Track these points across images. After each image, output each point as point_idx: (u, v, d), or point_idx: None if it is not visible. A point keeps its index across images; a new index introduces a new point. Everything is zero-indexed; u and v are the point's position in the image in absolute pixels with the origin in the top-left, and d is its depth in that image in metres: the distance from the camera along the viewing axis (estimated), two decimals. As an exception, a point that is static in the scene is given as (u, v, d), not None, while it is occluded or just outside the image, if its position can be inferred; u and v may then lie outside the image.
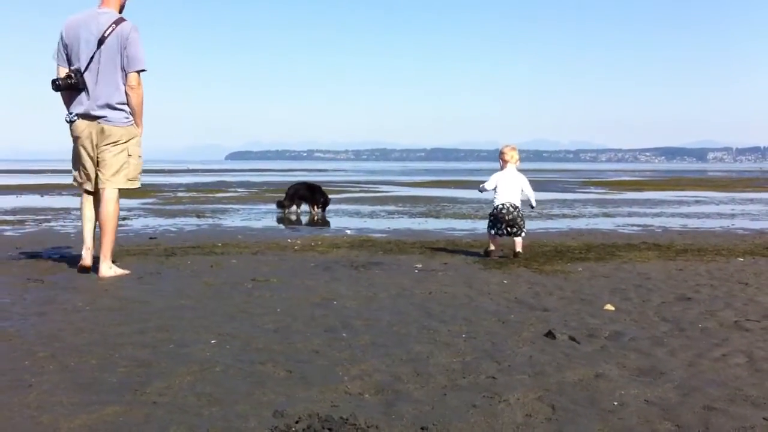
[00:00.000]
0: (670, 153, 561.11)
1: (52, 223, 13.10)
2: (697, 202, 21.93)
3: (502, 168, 8.31)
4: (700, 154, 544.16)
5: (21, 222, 13.35)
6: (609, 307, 5.74)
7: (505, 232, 8.10)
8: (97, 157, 6.66)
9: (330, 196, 16.70)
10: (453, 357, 4.27)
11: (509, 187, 8.04)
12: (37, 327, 4.94)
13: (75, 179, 6.97)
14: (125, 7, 6.78)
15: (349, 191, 27.54)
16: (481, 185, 8.62)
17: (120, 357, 4.21)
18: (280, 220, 14.73)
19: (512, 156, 8.20)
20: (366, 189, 30.29)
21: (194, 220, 14.07)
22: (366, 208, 17.88)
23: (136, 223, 13.30)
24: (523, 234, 8.24)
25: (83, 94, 6.54)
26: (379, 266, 7.78)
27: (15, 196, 23.14)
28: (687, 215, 16.33)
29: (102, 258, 6.74)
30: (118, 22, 6.46)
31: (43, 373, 3.90)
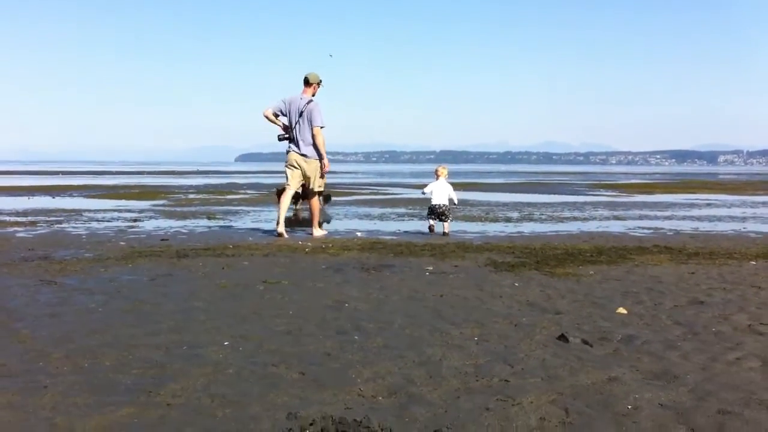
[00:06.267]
0: (681, 155, 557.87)
1: (63, 225, 13.16)
2: (708, 205, 21.86)
3: (436, 179, 12.42)
4: (710, 156, 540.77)
5: (33, 223, 13.42)
6: (621, 310, 5.72)
7: (437, 218, 12.02)
8: (305, 175, 11.42)
9: (333, 198, 16.89)
10: (465, 360, 4.27)
11: (440, 193, 12.14)
12: (51, 328, 4.97)
13: (287, 180, 11.56)
14: (316, 93, 11.58)
15: (359, 193, 27.55)
16: (422, 189, 12.78)
17: (133, 358, 4.23)
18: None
19: (442, 172, 12.57)
20: (376, 191, 30.31)
21: (205, 222, 14.12)
22: (376, 211, 17.90)
23: (148, 225, 13.34)
24: (448, 220, 12.07)
25: (293, 141, 11.39)
26: (390, 269, 7.78)
27: (27, 197, 23.26)
28: (698, 218, 16.27)
29: (314, 226, 11.61)
30: (308, 102, 11.31)
31: (58, 374, 3.92)
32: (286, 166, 11.60)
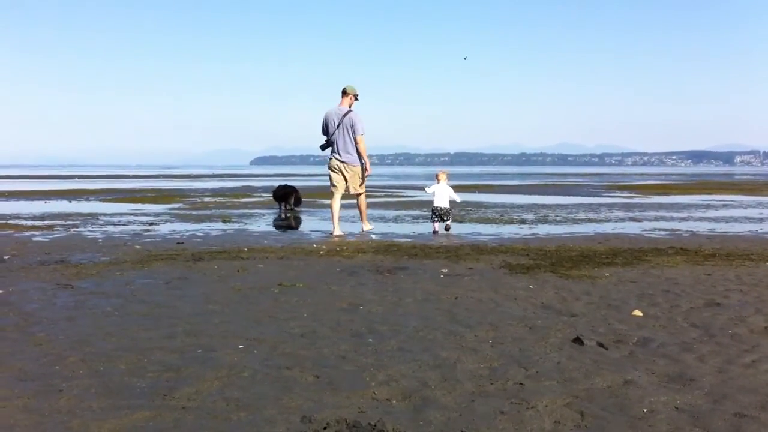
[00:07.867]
0: (697, 156, 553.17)
1: (80, 229, 13.24)
2: (724, 205, 21.69)
3: (438, 182, 13.42)
4: (727, 157, 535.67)
5: (50, 227, 13.51)
6: (637, 312, 5.69)
7: (438, 219, 13.07)
8: (346, 178, 12.46)
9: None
10: (480, 363, 4.26)
11: (441, 195, 13.19)
12: (67, 332, 5.00)
13: (332, 185, 12.59)
14: (353, 105, 12.56)
15: (374, 196, 27.55)
16: (425, 188, 14.07)
17: (149, 362, 4.25)
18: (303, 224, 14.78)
19: (443, 177, 13.59)
20: (390, 193, 30.31)
21: (220, 225, 14.16)
22: (390, 213, 17.89)
23: (164, 228, 13.39)
24: (448, 220, 13.19)
25: (333, 147, 12.45)
26: (405, 271, 7.78)
27: (43, 201, 23.41)
28: (715, 219, 16.15)
29: (364, 222, 12.97)
30: (347, 113, 12.35)
31: (74, 378, 3.94)
32: (329, 168, 12.64)
